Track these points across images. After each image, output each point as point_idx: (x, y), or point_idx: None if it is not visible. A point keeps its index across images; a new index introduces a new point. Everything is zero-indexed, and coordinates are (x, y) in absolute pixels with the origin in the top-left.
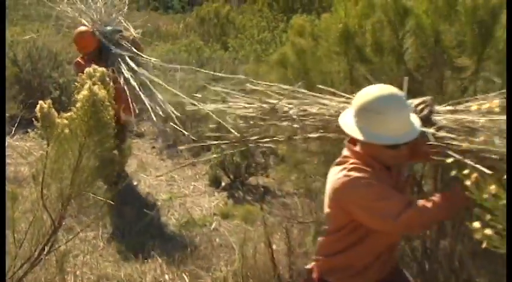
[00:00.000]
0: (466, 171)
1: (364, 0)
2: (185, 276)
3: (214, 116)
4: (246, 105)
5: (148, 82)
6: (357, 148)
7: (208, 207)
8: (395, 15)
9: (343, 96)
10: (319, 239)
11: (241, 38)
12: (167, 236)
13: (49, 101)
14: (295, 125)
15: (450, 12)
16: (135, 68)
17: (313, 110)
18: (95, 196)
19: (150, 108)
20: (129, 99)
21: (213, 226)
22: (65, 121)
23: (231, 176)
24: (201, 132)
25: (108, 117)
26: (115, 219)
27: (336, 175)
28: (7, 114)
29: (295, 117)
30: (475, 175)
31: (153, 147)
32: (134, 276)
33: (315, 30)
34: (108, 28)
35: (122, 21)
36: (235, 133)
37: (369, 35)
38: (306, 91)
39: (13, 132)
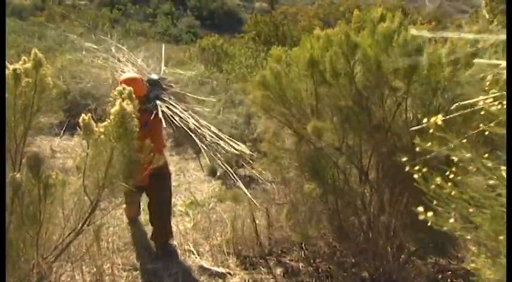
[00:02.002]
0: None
1: (324, 37)
2: (190, 243)
3: None
4: None
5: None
6: None
7: (207, 192)
8: (347, 48)
9: None
10: None
11: (232, 63)
12: (176, 213)
13: (89, 114)
14: None
15: (387, 47)
16: (177, 106)
17: None
18: (122, 184)
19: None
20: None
21: (210, 206)
22: (101, 129)
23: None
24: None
25: (134, 126)
26: None
27: None
28: (56, 121)
29: None
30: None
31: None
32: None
33: (288, 59)
34: (154, 76)
35: (164, 70)
36: None
37: (328, 63)
38: None
39: (62, 134)
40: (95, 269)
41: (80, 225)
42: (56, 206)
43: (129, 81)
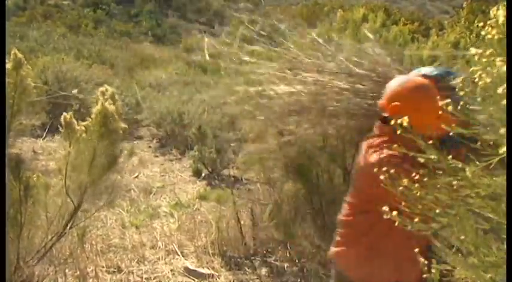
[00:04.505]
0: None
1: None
2: (174, 245)
3: None
4: None
5: None
6: None
7: (192, 193)
8: None
9: None
10: None
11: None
12: (161, 214)
13: (71, 112)
14: None
15: None
16: None
17: None
18: (105, 185)
19: None
20: None
21: (195, 207)
22: (83, 128)
23: (209, 168)
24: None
25: (116, 126)
26: (121, 202)
27: None
28: (39, 123)
29: None
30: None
31: (149, 147)
32: (136, 245)
33: None
34: (433, 70)
35: None
36: None
37: None
38: None
39: (44, 135)
40: (78, 272)
41: (63, 227)
42: (38, 208)
43: (420, 96)
